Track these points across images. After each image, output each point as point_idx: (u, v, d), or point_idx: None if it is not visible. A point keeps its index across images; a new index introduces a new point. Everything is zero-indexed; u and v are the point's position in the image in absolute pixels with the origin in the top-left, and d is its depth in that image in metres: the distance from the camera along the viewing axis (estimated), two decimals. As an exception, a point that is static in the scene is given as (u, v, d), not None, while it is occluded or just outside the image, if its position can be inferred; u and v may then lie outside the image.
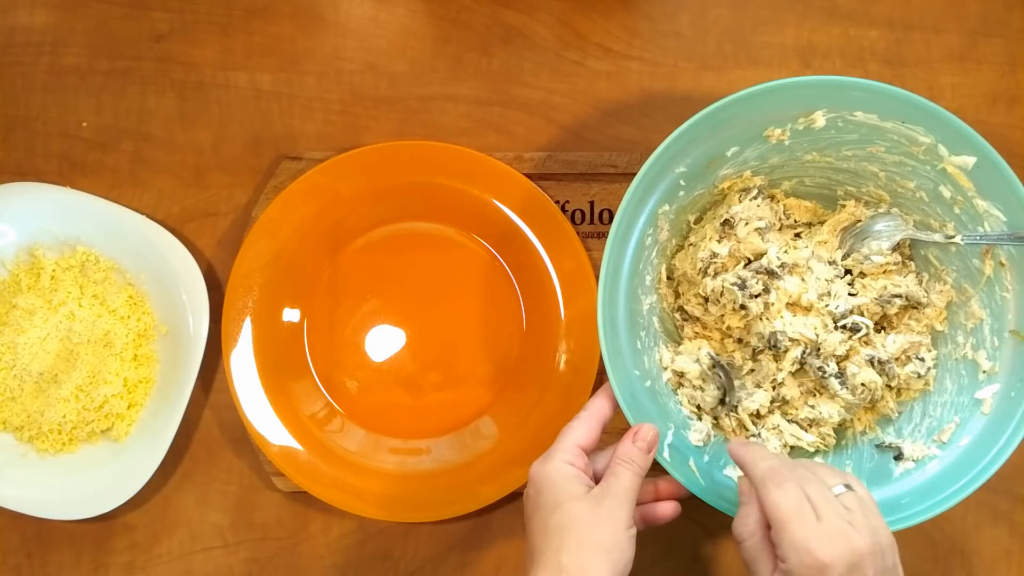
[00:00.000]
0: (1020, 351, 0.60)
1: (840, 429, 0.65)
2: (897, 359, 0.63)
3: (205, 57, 0.75)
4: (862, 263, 0.65)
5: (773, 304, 0.63)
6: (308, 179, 0.71)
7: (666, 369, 0.64)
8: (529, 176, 0.71)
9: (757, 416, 0.64)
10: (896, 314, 0.65)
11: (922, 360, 0.63)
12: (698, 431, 0.62)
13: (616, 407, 0.58)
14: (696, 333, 0.66)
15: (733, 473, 0.61)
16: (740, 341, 0.65)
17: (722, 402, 0.63)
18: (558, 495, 0.52)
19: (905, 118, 0.59)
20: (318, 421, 0.70)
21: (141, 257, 0.71)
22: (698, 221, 0.67)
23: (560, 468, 0.54)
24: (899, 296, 0.64)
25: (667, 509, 0.59)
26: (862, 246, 0.64)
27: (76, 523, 0.70)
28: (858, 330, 0.63)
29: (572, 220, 0.72)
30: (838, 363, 0.63)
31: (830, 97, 0.59)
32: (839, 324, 0.63)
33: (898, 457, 0.62)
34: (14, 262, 0.72)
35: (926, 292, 0.64)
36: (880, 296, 0.64)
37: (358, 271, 0.72)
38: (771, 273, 0.63)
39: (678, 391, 0.64)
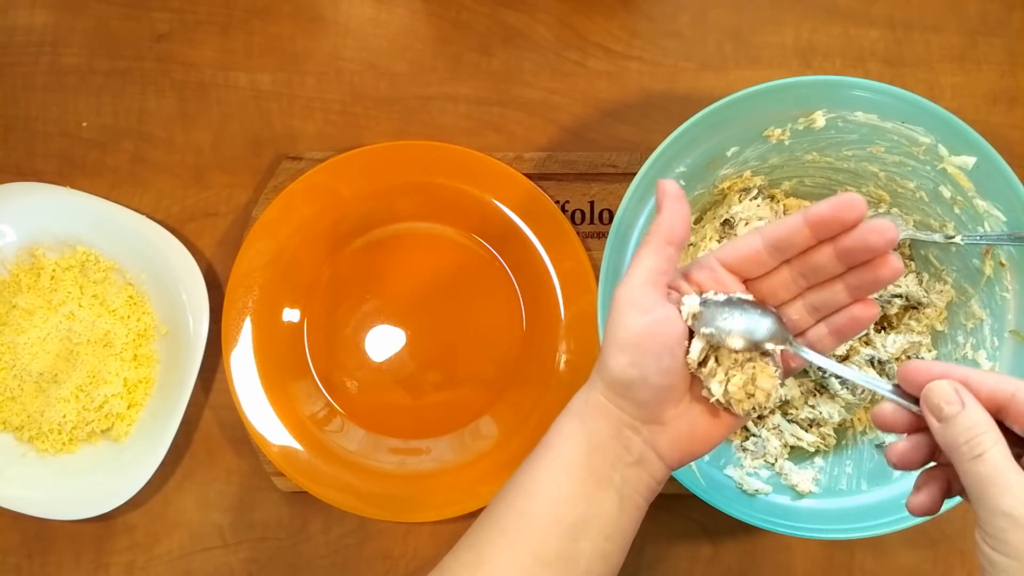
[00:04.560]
0: (1020, 351, 0.60)
1: (840, 429, 0.65)
2: (897, 359, 0.63)
3: (205, 57, 0.75)
4: (862, 263, 0.65)
5: (773, 304, 0.63)
6: (308, 179, 0.71)
7: None
8: (529, 176, 0.71)
9: (758, 416, 0.64)
10: (896, 314, 0.65)
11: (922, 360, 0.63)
12: None
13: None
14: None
15: (733, 473, 0.61)
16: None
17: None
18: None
19: (905, 118, 0.59)
20: (318, 421, 0.70)
21: (141, 257, 0.71)
22: (698, 221, 0.67)
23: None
24: (899, 296, 0.64)
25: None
26: (862, 246, 0.64)
27: (76, 523, 0.70)
28: (858, 330, 0.63)
29: (572, 220, 0.72)
30: (838, 363, 0.63)
31: (830, 97, 0.59)
32: (839, 324, 0.63)
33: (898, 457, 0.62)
34: (14, 262, 0.72)
35: (926, 292, 0.64)
36: (880, 296, 0.64)
37: (358, 271, 0.72)
38: (771, 273, 0.63)
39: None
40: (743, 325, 0.45)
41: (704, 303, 0.45)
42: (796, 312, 0.47)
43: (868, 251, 0.43)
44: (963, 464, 0.38)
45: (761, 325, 0.45)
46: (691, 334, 0.45)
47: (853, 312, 0.46)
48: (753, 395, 0.45)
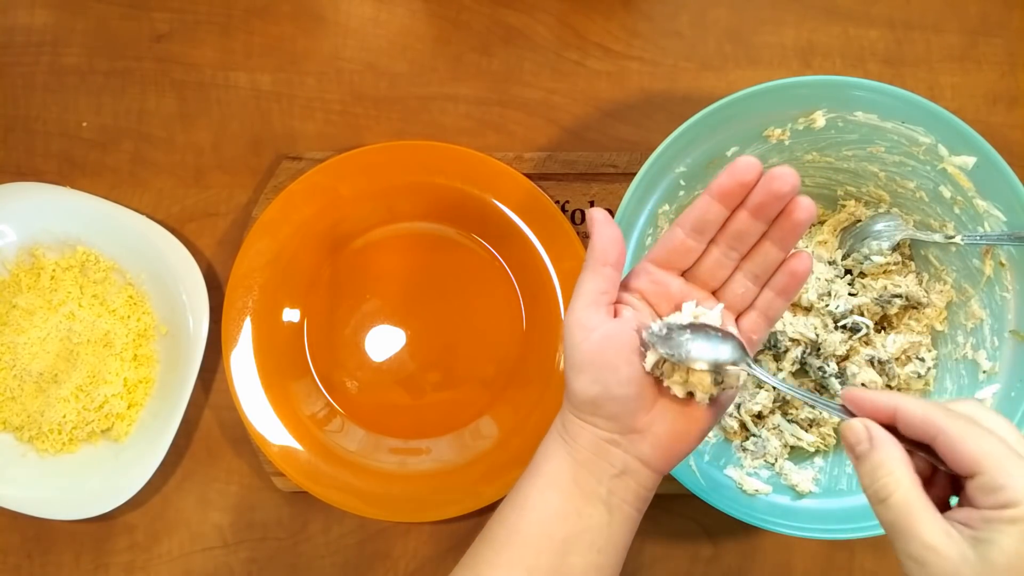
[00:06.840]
0: (1020, 351, 0.60)
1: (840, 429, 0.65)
2: (897, 359, 0.63)
3: (205, 57, 0.75)
4: (862, 263, 0.65)
5: (773, 304, 0.63)
6: (308, 179, 0.71)
7: None
8: (529, 176, 0.71)
9: (758, 417, 0.64)
10: (896, 314, 0.65)
11: (922, 360, 0.63)
12: None
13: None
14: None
15: (733, 473, 0.61)
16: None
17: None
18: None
19: (905, 118, 0.59)
20: (318, 421, 0.70)
21: (141, 257, 0.71)
22: (698, 221, 0.67)
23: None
24: (899, 296, 0.64)
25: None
26: (862, 246, 0.64)
27: (76, 523, 0.70)
28: (858, 330, 0.63)
29: (572, 220, 0.72)
30: (838, 363, 0.63)
31: (830, 97, 0.59)
32: (839, 324, 0.63)
33: (898, 457, 0.62)
34: (14, 262, 0.72)
35: (926, 292, 0.64)
36: (880, 296, 0.64)
37: (358, 271, 0.72)
38: (771, 273, 0.63)
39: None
40: (706, 351, 0.45)
41: (668, 328, 0.46)
42: (741, 286, 0.48)
43: (777, 199, 0.45)
44: (873, 507, 0.38)
45: (722, 351, 0.46)
46: (645, 345, 0.46)
47: (790, 267, 0.48)
48: (721, 382, 0.46)
